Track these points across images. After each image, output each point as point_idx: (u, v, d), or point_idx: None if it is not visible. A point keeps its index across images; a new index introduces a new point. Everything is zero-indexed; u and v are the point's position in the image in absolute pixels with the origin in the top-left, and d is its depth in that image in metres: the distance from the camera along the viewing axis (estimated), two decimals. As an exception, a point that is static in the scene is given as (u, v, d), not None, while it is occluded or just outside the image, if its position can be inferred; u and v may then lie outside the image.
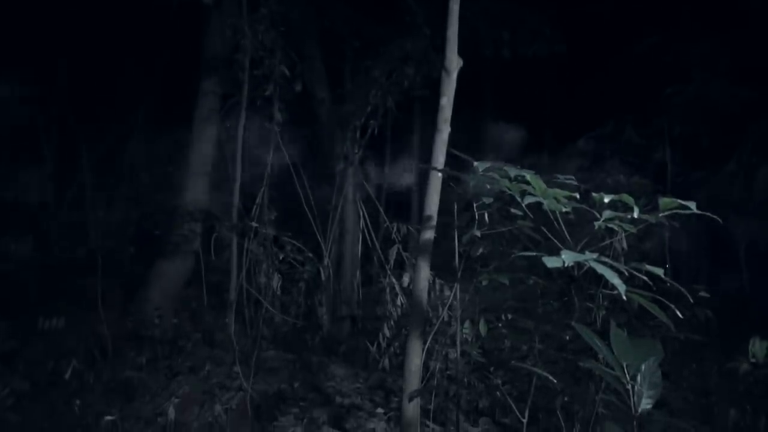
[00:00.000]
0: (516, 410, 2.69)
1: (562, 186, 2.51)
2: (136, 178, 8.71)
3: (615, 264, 1.76)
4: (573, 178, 2.70)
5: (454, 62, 3.67)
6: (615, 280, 1.66)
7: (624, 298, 1.69)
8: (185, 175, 6.99)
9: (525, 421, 2.61)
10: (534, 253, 1.81)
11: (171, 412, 4.31)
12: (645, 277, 1.89)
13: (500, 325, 4.85)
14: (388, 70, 6.68)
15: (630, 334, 3.97)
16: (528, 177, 2.00)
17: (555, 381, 2.19)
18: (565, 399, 3.90)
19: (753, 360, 3.72)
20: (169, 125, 7.67)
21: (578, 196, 2.05)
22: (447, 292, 5.21)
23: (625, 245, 4.90)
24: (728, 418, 4.26)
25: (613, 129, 8.64)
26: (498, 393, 4.34)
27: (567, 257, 1.66)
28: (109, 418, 4.43)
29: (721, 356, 5.74)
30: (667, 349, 5.94)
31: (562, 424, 3.89)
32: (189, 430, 4.62)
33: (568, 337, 3.96)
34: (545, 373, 2.18)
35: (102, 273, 6.10)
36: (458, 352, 3.08)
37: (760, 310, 8.04)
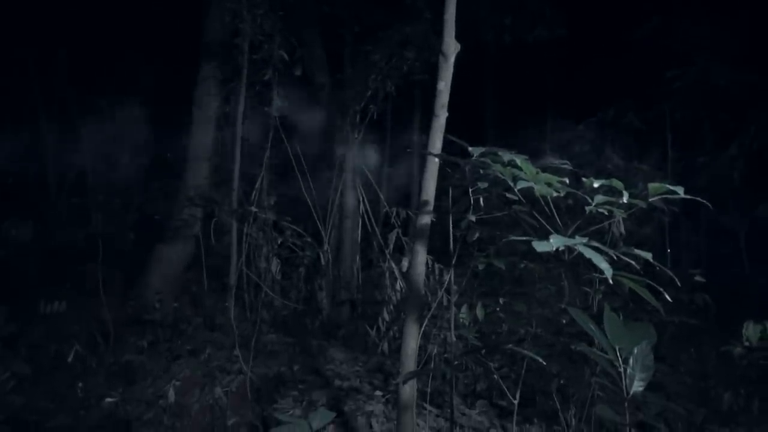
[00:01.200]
0: (508, 393, 2.72)
1: (557, 171, 2.52)
2: (138, 161, 8.71)
3: (603, 248, 1.78)
4: (568, 162, 2.72)
5: (451, 47, 3.67)
6: (602, 264, 1.68)
7: (611, 282, 1.71)
8: (185, 160, 7.01)
9: (516, 402, 2.65)
10: (525, 238, 1.83)
11: (171, 395, 4.36)
12: (633, 262, 1.91)
13: (497, 309, 4.89)
14: (388, 55, 6.65)
15: (626, 318, 4.02)
16: (519, 162, 2.01)
17: (545, 364, 2.21)
18: (561, 382, 3.95)
19: (747, 343, 3.76)
20: (169, 110, 7.66)
21: (567, 181, 2.05)
22: (446, 276, 5.23)
23: (622, 230, 4.93)
24: (723, 401, 4.30)
25: (614, 113, 8.61)
26: (494, 376, 4.38)
27: (555, 242, 1.68)
28: (109, 400, 4.49)
29: (719, 340, 5.77)
30: (665, 333, 5.99)
31: (558, 406, 3.95)
32: (190, 412, 4.68)
33: (564, 321, 4.00)
34: (536, 356, 2.21)
35: (103, 258, 6.14)
36: (452, 336, 3.11)
37: (759, 294, 8.08)
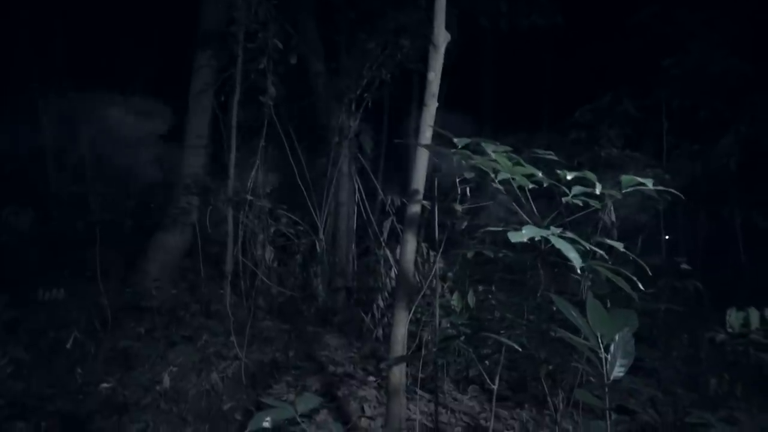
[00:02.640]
0: (487, 378, 2.79)
1: (537, 161, 2.57)
2: (134, 150, 8.75)
3: (577, 238, 1.83)
4: (552, 153, 2.76)
5: (441, 37, 3.70)
6: (571, 254, 1.73)
7: (579, 271, 1.77)
8: (182, 149, 7.05)
9: (495, 387, 2.72)
10: (500, 228, 1.88)
11: (166, 380, 4.45)
12: (602, 252, 1.96)
13: (489, 296, 4.96)
14: (383, 43, 6.67)
15: (614, 305, 4.06)
16: (494, 155, 2.05)
17: (520, 350, 2.28)
18: (550, 367, 4.02)
19: (730, 330, 3.83)
20: (165, 99, 7.70)
21: (540, 174, 2.10)
22: (441, 264, 5.30)
23: (613, 218, 4.99)
24: (709, 386, 4.38)
25: (610, 101, 8.62)
26: (485, 362, 4.46)
27: (527, 232, 1.73)
28: (105, 385, 4.57)
29: (711, 327, 5.84)
30: (659, 320, 6.04)
31: (546, 390, 4.03)
32: (186, 396, 4.77)
33: (555, 308, 4.06)
34: (512, 343, 2.27)
35: (101, 245, 6.21)
36: (437, 321, 3.18)
37: (754, 281, 8.14)
